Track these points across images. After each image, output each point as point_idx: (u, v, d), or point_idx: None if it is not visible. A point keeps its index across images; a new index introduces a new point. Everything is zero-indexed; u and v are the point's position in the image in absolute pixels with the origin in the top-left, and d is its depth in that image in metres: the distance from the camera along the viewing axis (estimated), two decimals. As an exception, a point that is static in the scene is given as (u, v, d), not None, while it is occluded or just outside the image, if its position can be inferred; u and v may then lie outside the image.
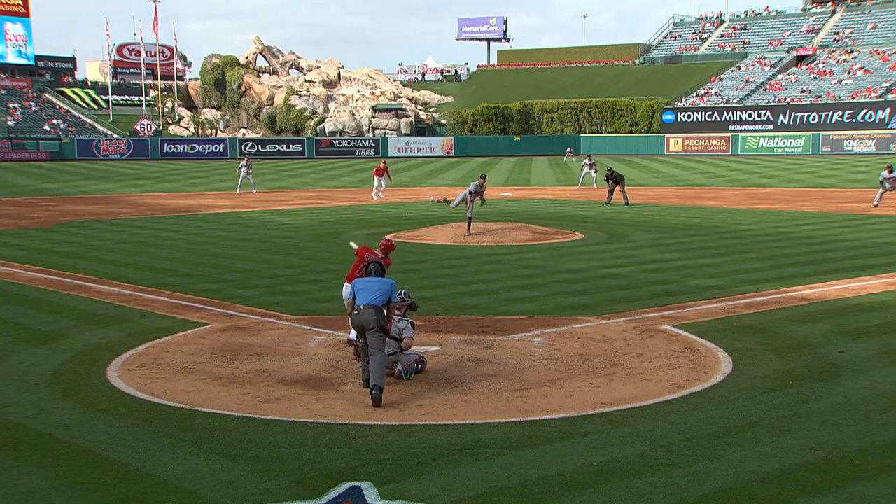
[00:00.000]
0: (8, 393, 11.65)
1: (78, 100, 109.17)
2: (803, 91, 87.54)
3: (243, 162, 48.13)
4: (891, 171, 35.13)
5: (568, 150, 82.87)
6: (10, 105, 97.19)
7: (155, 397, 11.37)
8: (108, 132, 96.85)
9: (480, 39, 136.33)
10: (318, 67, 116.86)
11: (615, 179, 37.35)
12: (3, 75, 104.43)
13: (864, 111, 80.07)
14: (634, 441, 9.66)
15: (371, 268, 12.16)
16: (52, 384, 12.05)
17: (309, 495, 8.29)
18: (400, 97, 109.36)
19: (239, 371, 12.54)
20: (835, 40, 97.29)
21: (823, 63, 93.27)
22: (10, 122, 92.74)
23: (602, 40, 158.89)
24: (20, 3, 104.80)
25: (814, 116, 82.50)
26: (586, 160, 49.90)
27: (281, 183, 52.94)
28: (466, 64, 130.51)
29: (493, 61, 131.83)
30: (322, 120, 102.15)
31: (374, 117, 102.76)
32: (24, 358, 13.38)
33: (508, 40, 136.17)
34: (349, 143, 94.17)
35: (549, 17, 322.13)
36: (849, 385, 11.66)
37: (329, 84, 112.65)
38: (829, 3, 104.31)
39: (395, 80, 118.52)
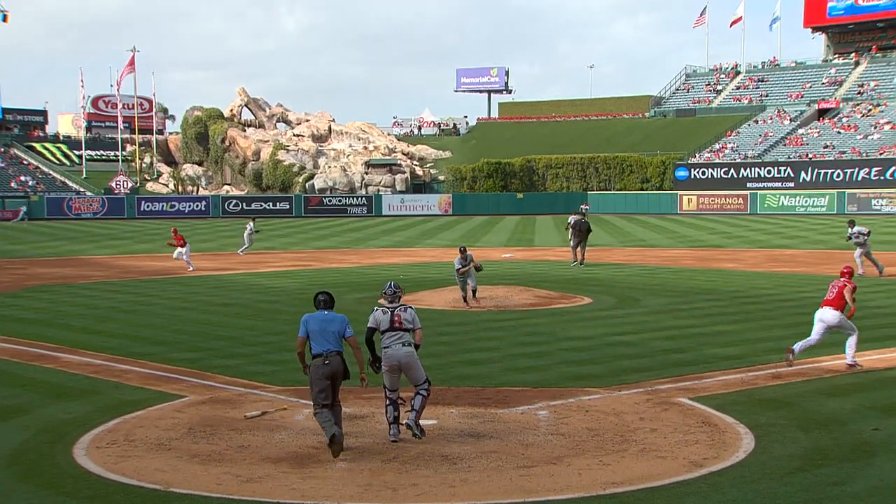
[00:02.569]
0: (-35, 473, 11.52)
1: (49, 155, 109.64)
2: (826, 146, 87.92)
3: (251, 224, 48.28)
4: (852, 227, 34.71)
5: (582, 207, 73.58)
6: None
7: (126, 478, 11.25)
8: (81, 189, 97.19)
9: (481, 91, 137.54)
10: (308, 120, 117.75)
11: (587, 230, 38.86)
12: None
13: (894, 168, 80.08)
14: (649, 525, 9.55)
15: (320, 298, 12.68)
16: (11, 465, 11.91)
17: (293, 585, 8.17)
18: (395, 152, 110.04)
19: (219, 448, 12.44)
20: (859, 93, 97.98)
21: (847, 117, 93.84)
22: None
23: (610, 92, 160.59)
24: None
25: (838, 173, 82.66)
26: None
27: (267, 244, 53.00)
28: (465, 117, 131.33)
29: (494, 114, 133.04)
30: (311, 176, 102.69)
31: (366, 173, 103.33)
32: (-16, 434, 13.27)
33: (510, 92, 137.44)
34: (340, 200, 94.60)
35: (553, 67, 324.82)
36: (885, 466, 11.52)
37: (319, 138, 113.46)
38: (853, 54, 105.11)
39: (389, 134, 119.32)
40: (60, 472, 11.57)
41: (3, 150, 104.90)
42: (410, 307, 13.31)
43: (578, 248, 38.80)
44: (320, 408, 12.04)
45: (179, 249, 38.96)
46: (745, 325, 22.58)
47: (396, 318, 12.91)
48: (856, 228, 34.08)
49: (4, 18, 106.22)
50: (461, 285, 27.20)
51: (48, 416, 14.27)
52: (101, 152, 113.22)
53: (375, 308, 13.21)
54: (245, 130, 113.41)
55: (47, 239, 60.22)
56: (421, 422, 13.13)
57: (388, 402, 12.93)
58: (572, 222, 39.56)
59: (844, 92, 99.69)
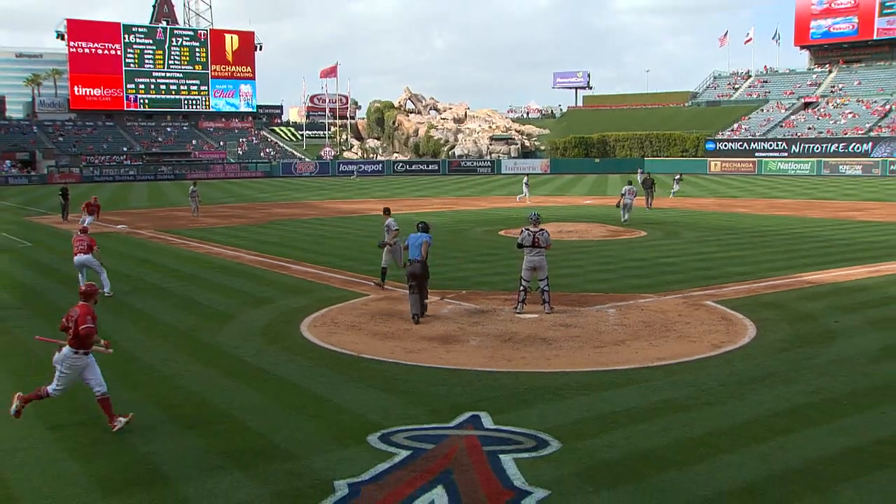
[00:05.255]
0: (237, 339, 12.13)
1: (282, 135, 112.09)
2: (810, 128, 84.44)
3: (525, 179, 44.22)
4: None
5: (639, 170, 59.75)
6: (240, 140, 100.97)
7: (333, 346, 11.62)
8: (302, 157, 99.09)
9: (570, 87, 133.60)
10: (451, 108, 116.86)
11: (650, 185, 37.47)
12: (237, 120, 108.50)
13: (854, 144, 78.00)
14: (682, 386, 9.49)
15: (419, 226, 13.65)
16: (263, 335, 12.44)
17: (442, 420, 8.38)
18: (510, 130, 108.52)
19: (391, 329, 12.70)
20: (832, 91, 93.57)
21: (824, 108, 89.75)
22: (239, 152, 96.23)
23: (660, 89, 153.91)
24: (249, 70, 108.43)
25: (817, 147, 79.77)
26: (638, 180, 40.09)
27: (422, 192, 53.34)
28: (560, 105, 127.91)
29: (580, 104, 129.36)
30: (453, 147, 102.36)
31: (490, 145, 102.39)
32: (246, 316, 13.85)
33: (591, 88, 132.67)
34: (472, 163, 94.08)
35: (621, 71, 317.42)
36: (842, 346, 11.31)
37: (458, 120, 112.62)
38: (827, 65, 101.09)
39: (506, 117, 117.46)
40: (293, 341, 12.02)
41: (256, 132, 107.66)
42: (546, 231, 13.64)
43: (648, 198, 37.10)
44: (410, 292, 13.07)
45: (88, 217, 26.68)
46: (752, 251, 21.83)
47: (536, 239, 13.45)
48: (642, 177, 31.36)
49: (260, 47, 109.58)
50: (387, 260, 15.77)
51: (284, 305, 14.78)
52: (315, 132, 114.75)
53: (524, 229, 13.73)
54: (408, 116, 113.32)
55: (281, 190, 61.73)
56: (526, 315, 13.25)
57: (521, 287, 13.57)
58: (641, 180, 38.71)
59: (822, 91, 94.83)
